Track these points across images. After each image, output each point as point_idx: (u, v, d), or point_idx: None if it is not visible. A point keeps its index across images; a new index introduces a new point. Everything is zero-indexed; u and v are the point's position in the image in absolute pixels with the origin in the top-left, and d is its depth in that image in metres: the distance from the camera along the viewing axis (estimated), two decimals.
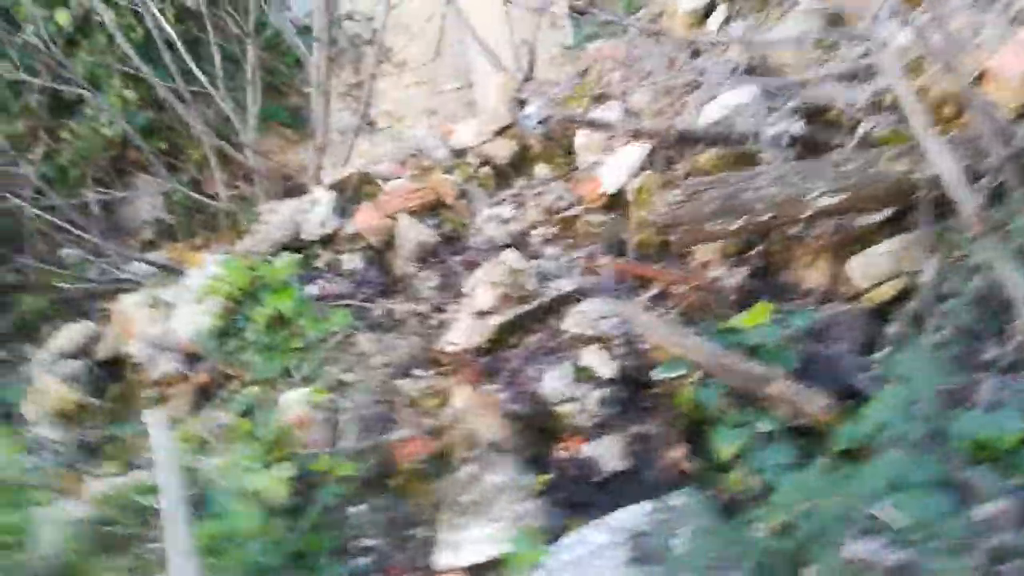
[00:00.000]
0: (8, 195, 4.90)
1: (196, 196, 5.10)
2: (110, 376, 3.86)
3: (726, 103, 3.34)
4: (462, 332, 2.99)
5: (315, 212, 4.11)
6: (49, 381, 3.75)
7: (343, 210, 4.20)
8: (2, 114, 5.58)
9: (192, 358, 3.58)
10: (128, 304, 3.89)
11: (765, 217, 2.69)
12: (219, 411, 3.34)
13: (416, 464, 2.67)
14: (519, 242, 3.52)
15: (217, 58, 5.10)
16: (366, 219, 3.92)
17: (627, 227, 3.33)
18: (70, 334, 4.38)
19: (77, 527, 2.45)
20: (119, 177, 6.01)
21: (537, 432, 2.64)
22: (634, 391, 2.64)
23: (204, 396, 3.47)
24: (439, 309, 3.26)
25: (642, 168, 3.46)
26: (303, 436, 2.86)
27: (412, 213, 3.90)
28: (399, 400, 2.94)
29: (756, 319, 2.56)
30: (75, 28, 5.56)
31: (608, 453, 2.52)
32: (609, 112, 3.88)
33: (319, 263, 3.91)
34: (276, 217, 4.24)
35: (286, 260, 3.39)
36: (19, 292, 5.31)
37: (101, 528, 2.47)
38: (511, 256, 3.04)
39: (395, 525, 2.58)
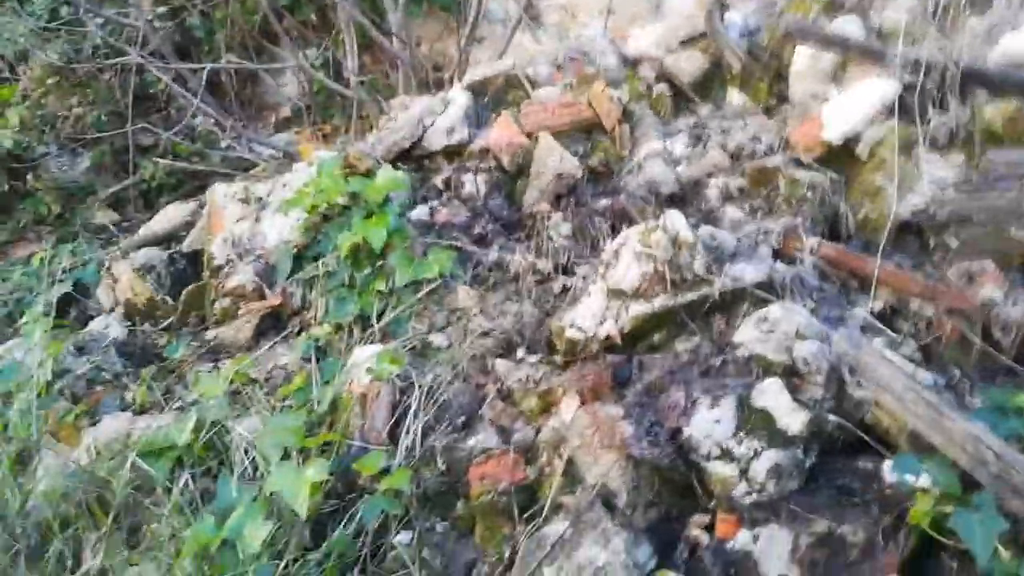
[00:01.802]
0: (144, 56, 4.33)
1: (324, 79, 4.33)
2: (191, 272, 3.25)
3: None
4: (591, 313, 2.08)
5: (445, 116, 3.25)
6: (122, 268, 3.19)
7: (479, 117, 3.31)
8: None
9: (273, 273, 2.88)
10: (220, 194, 3.23)
11: None
12: (282, 347, 2.65)
13: (493, 491, 1.84)
14: (689, 194, 2.51)
15: None
16: (501, 133, 3.01)
17: (852, 195, 2.25)
18: (168, 215, 3.83)
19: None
20: (263, 49, 5.36)
21: (670, 491, 1.73)
22: (831, 463, 1.66)
23: (274, 322, 2.79)
24: (567, 270, 2.35)
25: (888, 113, 2.33)
26: (361, 416, 2.09)
27: (558, 134, 2.95)
28: (491, 388, 2.10)
29: None
30: None
31: (773, 553, 1.59)
32: (849, 26, 2.71)
33: (438, 179, 3.06)
34: (404, 115, 3.41)
35: (389, 176, 2.56)
36: (146, 157, 4.84)
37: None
38: (675, 218, 2.05)
39: (448, 572, 1.79)
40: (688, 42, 3.35)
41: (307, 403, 2.18)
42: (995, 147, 1.99)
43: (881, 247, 1.98)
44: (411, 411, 2.04)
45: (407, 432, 1.99)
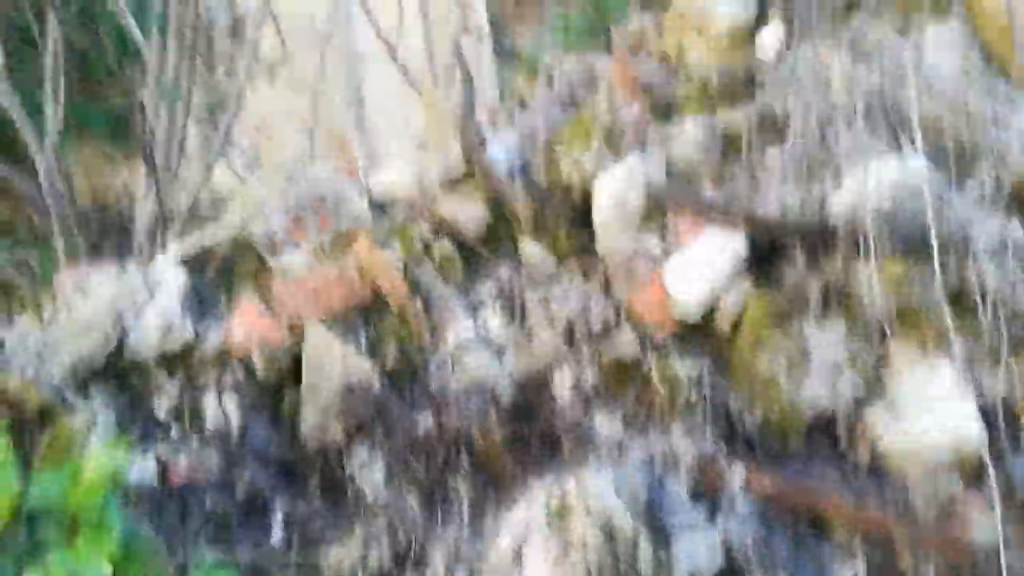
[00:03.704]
0: None
1: None
2: None
3: (885, 176, 1.89)
4: None
5: (155, 306, 2.26)
6: None
7: (203, 303, 2.38)
8: None
9: None
10: None
11: None
12: None
13: None
14: (533, 398, 1.88)
15: None
16: (249, 326, 2.13)
17: (738, 384, 1.80)
18: None
19: None
20: None
21: None
22: None
23: None
24: (419, 561, 1.56)
25: (744, 274, 1.94)
26: None
27: (329, 317, 2.15)
28: None
29: None
30: None
31: None
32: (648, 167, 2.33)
33: (160, 405, 2.07)
34: (86, 305, 2.34)
35: (104, 459, 1.51)
36: None
37: None
38: (600, 491, 1.40)
39: None
40: (455, 183, 2.77)
41: None
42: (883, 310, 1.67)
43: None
44: None
45: None
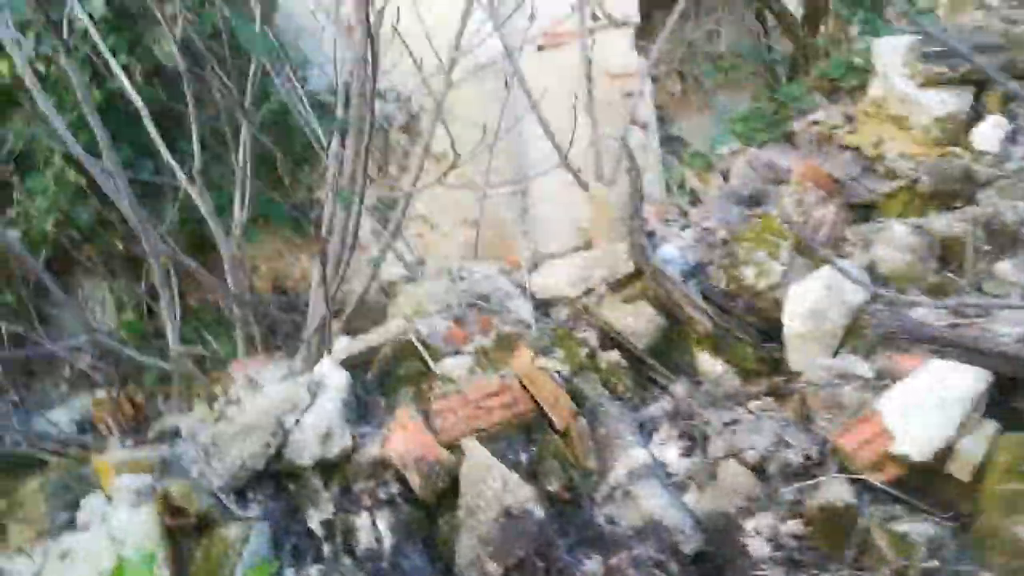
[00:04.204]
0: None
1: (126, 350, 3.13)
2: None
3: None
4: None
5: (316, 410, 2.19)
6: None
7: (364, 408, 2.29)
8: None
9: None
10: None
11: None
12: None
13: None
14: (722, 547, 1.58)
15: (196, 139, 3.25)
16: (407, 439, 1.99)
17: (989, 555, 1.41)
18: None
19: None
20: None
21: None
22: None
23: None
24: None
25: (975, 414, 1.57)
26: None
27: (490, 437, 1.98)
28: None
29: None
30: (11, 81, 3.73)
31: None
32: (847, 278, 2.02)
33: (315, 519, 1.96)
34: (253, 405, 2.31)
35: None
36: None
37: None
38: None
39: None
40: (622, 285, 2.58)
41: None
42: None
43: None
44: None
45: None
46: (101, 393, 3.30)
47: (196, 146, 3.24)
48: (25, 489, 2.65)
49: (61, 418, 3.60)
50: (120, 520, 1.93)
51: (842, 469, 1.66)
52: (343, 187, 2.72)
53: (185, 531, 1.93)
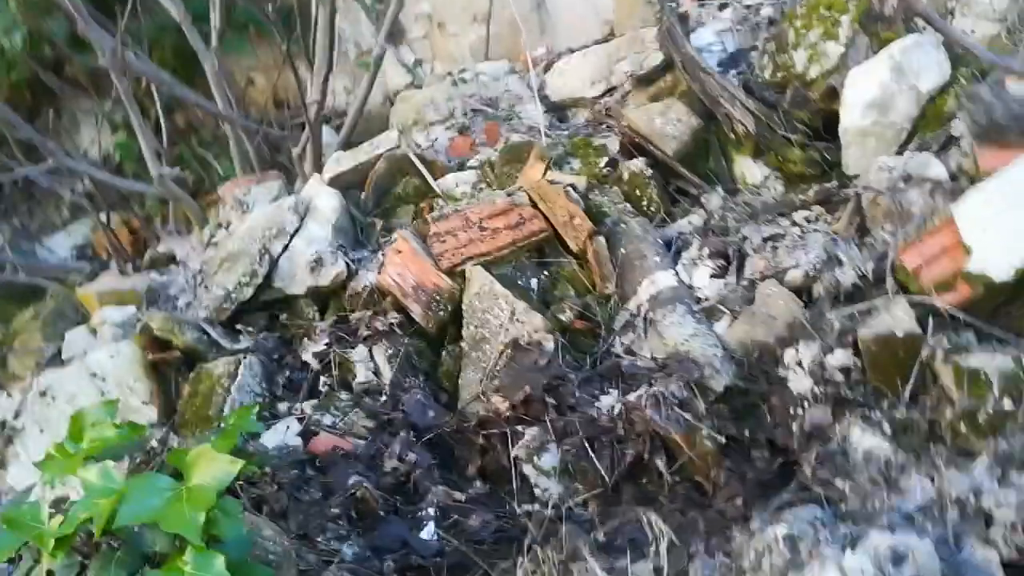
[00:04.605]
0: None
1: (111, 179, 2.86)
2: None
3: None
4: None
5: (305, 234, 1.96)
6: None
7: (358, 231, 2.05)
8: None
9: None
10: None
11: None
12: None
13: None
14: (758, 384, 1.38)
15: None
16: (405, 265, 1.76)
17: None
18: None
19: None
20: (37, 106, 3.80)
21: None
22: None
23: None
24: None
25: None
26: None
27: (496, 261, 1.74)
28: None
29: None
30: None
31: None
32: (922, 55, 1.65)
33: (308, 352, 1.79)
34: (242, 229, 2.08)
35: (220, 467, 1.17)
36: None
37: None
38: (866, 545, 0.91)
39: None
40: (647, 80, 2.20)
41: None
42: None
43: None
44: None
45: None
46: (102, 217, 3.11)
47: None
48: (21, 318, 2.54)
49: (62, 244, 3.46)
50: (100, 356, 1.78)
51: (903, 290, 1.40)
52: None
53: (170, 365, 1.79)
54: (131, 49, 2.45)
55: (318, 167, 2.27)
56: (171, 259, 2.64)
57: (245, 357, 1.73)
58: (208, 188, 3.63)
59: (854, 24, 1.84)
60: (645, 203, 1.86)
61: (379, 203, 2.12)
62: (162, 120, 3.10)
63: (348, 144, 2.75)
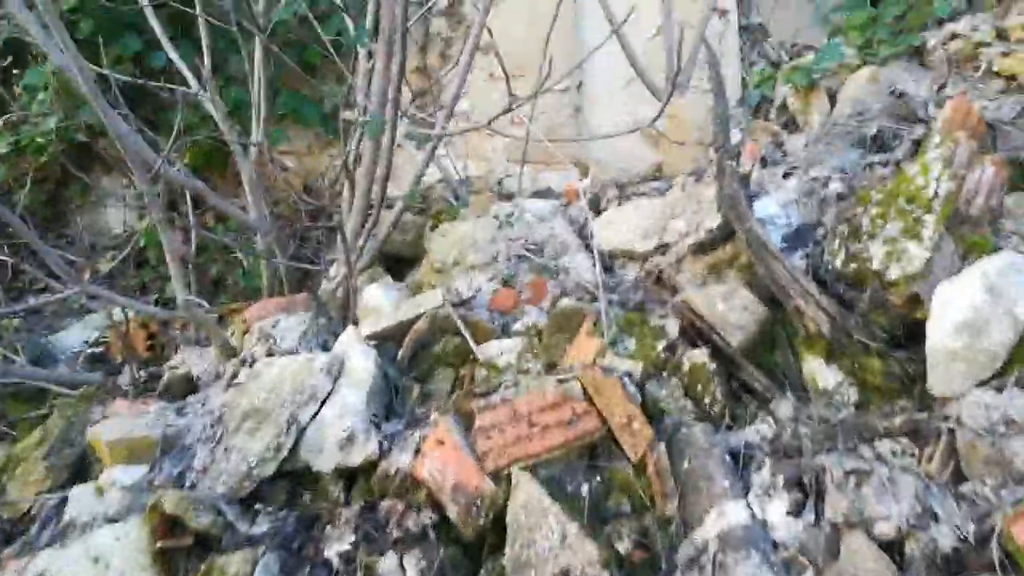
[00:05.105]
0: None
1: (144, 308, 2.71)
2: None
3: None
4: None
5: (337, 400, 1.80)
6: None
7: (393, 395, 1.89)
8: None
9: None
10: None
11: None
12: None
13: None
14: None
15: (204, 33, 2.72)
16: (445, 466, 1.60)
17: None
18: None
19: None
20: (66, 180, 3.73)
21: None
22: None
23: None
24: None
25: None
26: None
27: (545, 463, 1.57)
28: None
29: None
30: None
31: None
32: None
33: (332, 550, 1.61)
34: (261, 382, 1.92)
35: None
36: None
37: None
38: None
39: None
40: (706, 246, 2.07)
41: None
42: None
43: None
44: None
45: None
46: (118, 316, 2.97)
47: (204, 41, 2.70)
48: (26, 444, 2.37)
49: (75, 338, 3.30)
50: (105, 537, 1.61)
51: (1011, 563, 1.23)
52: (372, 111, 2.19)
53: (181, 551, 1.62)
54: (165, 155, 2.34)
55: (353, 318, 2.12)
56: (188, 380, 2.48)
57: (263, 555, 1.56)
58: (231, 286, 3.50)
59: (939, 226, 1.70)
60: (708, 402, 1.70)
61: (416, 360, 1.97)
62: (190, 215, 3.00)
63: (382, 252, 2.61)
